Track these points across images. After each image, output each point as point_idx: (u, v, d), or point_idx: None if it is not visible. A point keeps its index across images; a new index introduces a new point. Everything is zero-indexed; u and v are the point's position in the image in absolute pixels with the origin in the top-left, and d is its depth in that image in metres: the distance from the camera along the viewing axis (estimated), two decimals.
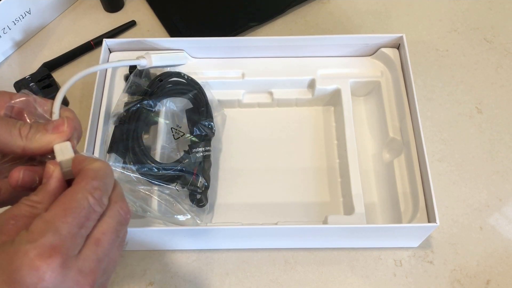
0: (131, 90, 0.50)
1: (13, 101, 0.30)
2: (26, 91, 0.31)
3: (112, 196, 0.27)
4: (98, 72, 0.52)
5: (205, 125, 0.49)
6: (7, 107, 0.30)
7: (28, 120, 0.30)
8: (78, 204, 0.24)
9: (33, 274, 0.21)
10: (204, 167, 0.48)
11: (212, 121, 0.50)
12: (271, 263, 0.48)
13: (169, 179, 0.46)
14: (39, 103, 0.31)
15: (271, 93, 0.56)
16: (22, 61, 0.62)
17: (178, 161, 0.47)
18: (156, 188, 0.46)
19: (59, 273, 0.22)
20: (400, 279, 0.47)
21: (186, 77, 0.51)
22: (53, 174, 0.26)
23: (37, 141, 0.28)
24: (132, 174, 0.45)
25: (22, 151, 0.28)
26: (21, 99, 0.30)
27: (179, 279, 0.47)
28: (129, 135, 0.48)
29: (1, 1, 0.56)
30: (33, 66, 0.60)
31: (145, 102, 0.49)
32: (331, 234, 0.47)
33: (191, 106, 0.51)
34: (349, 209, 0.48)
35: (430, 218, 0.45)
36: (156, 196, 0.45)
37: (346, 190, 0.49)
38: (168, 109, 0.51)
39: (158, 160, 0.47)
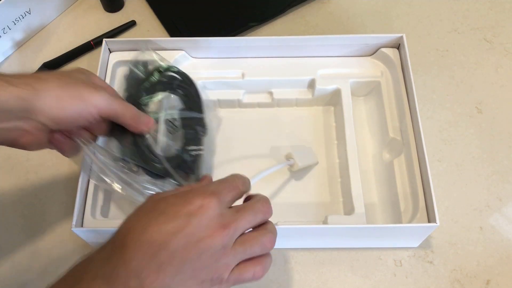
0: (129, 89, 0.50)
1: None
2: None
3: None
4: (97, 73, 0.52)
5: (198, 124, 0.49)
6: None
7: None
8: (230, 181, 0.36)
9: (200, 201, 0.32)
10: (197, 165, 0.48)
11: (206, 121, 0.50)
12: (271, 263, 0.48)
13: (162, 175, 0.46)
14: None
15: (271, 93, 0.56)
16: (22, 61, 0.62)
17: (171, 159, 0.46)
18: (148, 184, 0.45)
19: (211, 208, 0.31)
20: (400, 279, 0.47)
21: (181, 73, 0.51)
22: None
23: (140, 125, 0.45)
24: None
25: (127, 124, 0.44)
26: None
27: None
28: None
29: (1, 1, 0.56)
30: (33, 66, 0.60)
31: (141, 98, 0.48)
32: (331, 234, 0.47)
33: (185, 103, 0.50)
34: (349, 209, 0.48)
35: (430, 218, 0.45)
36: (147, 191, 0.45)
37: (346, 190, 0.49)
38: (165, 105, 0.51)
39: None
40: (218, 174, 0.52)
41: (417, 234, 0.47)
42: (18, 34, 0.61)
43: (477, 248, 0.49)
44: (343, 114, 0.52)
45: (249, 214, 0.34)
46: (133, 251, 0.29)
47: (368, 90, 0.56)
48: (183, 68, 0.55)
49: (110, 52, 0.55)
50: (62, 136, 0.42)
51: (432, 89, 0.59)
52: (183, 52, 0.55)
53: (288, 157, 0.50)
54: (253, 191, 0.53)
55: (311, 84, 0.55)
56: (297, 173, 0.52)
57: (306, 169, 0.52)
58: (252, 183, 0.40)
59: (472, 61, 0.61)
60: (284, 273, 0.48)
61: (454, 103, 0.58)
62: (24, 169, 0.54)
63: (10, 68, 0.61)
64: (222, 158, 0.54)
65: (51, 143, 0.41)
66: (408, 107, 0.51)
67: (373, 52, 0.56)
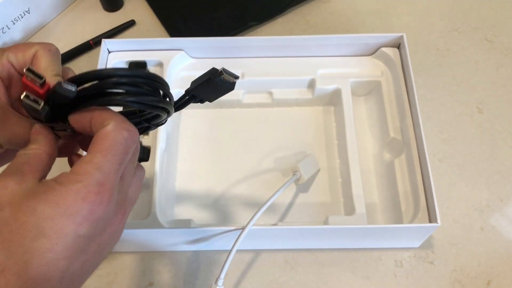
0: None
1: None
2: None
3: None
4: None
5: None
6: None
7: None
8: (114, 141, 0.26)
9: (86, 208, 0.25)
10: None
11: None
12: (271, 264, 0.48)
13: None
14: (18, 65, 0.31)
15: (271, 93, 0.55)
16: None
17: None
18: None
19: (106, 205, 0.25)
20: (401, 279, 0.47)
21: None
22: (41, 129, 0.29)
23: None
24: None
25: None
26: None
27: (179, 280, 0.47)
28: None
29: (1, 0, 0.56)
30: None
31: None
32: (332, 234, 0.47)
33: None
34: (349, 210, 0.48)
35: (431, 218, 0.45)
36: None
37: (346, 190, 0.49)
38: None
39: None
40: (217, 175, 0.52)
41: (418, 234, 0.47)
42: (17, 34, 0.61)
43: (478, 249, 0.49)
44: (344, 114, 0.52)
45: (130, 172, 0.29)
46: None
47: (369, 89, 0.56)
48: (183, 68, 0.55)
49: (109, 52, 0.55)
50: None
51: (432, 88, 0.59)
52: (182, 52, 0.55)
53: (294, 170, 0.50)
54: (252, 195, 0.53)
55: (311, 84, 0.55)
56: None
57: (310, 178, 0.52)
58: (263, 209, 0.40)
59: (472, 61, 0.61)
60: (285, 273, 0.48)
61: (455, 102, 0.58)
62: None
63: None
64: (221, 158, 0.53)
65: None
66: (408, 107, 0.51)
67: (374, 51, 0.55)
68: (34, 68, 0.27)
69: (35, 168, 0.27)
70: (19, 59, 0.30)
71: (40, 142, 0.28)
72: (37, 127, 0.29)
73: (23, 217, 0.24)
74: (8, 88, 0.31)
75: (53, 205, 0.24)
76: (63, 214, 0.24)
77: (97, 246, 0.26)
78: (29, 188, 0.25)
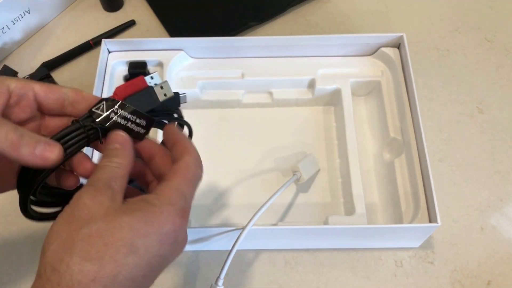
0: None
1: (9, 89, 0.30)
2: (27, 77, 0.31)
3: None
4: (97, 74, 0.51)
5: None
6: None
7: (24, 115, 0.31)
8: (195, 175, 0.30)
9: (172, 230, 0.27)
10: None
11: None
12: (271, 264, 0.48)
13: None
14: (41, 93, 0.31)
15: (271, 93, 0.55)
16: (21, 61, 0.61)
17: None
18: None
19: (184, 230, 0.29)
20: (401, 279, 0.47)
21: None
22: (126, 142, 0.31)
23: (22, 154, 0.28)
24: None
25: (2, 153, 0.28)
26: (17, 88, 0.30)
27: (179, 280, 0.47)
28: None
29: (1, 0, 0.56)
30: (33, 65, 0.60)
31: None
32: (332, 234, 0.47)
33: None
34: (349, 210, 0.48)
35: (431, 218, 0.45)
36: None
37: (346, 190, 0.49)
38: None
39: None
40: (217, 175, 0.52)
41: (418, 234, 0.47)
42: (17, 34, 0.61)
43: (478, 249, 0.49)
44: (344, 114, 0.52)
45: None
46: None
47: (369, 89, 0.56)
48: (183, 68, 0.55)
49: (109, 52, 0.55)
50: None
51: (432, 88, 0.59)
52: (182, 52, 0.55)
53: (294, 170, 0.50)
54: (252, 195, 0.53)
55: (311, 84, 0.55)
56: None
57: (310, 178, 0.52)
58: (263, 209, 0.41)
59: (473, 61, 0.61)
60: (284, 273, 0.48)
61: (455, 102, 0.58)
62: None
63: None
64: (221, 158, 0.53)
65: None
66: (408, 107, 0.51)
67: (374, 51, 0.55)
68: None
69: (121, 186, 0.29)
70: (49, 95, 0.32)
71: (124, 158, 0.30)
72: (125, 138, 0.31)
73: (119, 233, 0.25)
74: (10, 106, 0.30)
75: (148, 223, 0.26)
76: (155, 233, 0.26)
77: (164, 266, 0.28)
78: (119, 205, 0.27)
